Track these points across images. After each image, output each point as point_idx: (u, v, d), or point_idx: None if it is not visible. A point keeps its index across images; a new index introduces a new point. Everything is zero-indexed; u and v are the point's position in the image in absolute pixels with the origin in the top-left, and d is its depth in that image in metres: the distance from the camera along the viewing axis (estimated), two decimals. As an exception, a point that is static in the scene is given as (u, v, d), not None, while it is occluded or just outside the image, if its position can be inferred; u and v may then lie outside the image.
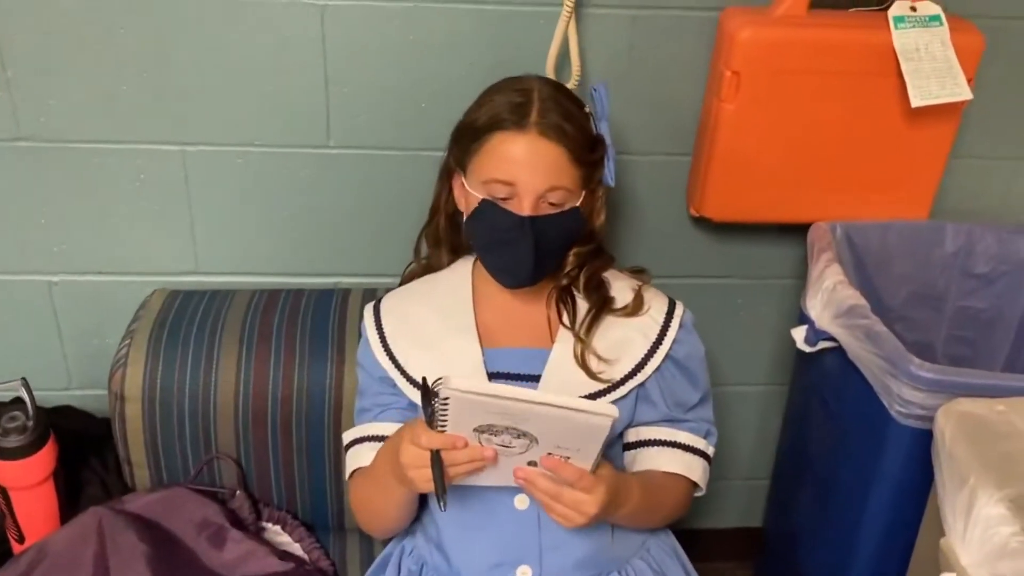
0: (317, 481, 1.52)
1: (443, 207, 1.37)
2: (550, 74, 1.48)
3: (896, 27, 1.44)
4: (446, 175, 1.35)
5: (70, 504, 1.48)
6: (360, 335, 1.38)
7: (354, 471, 1.32)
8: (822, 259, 1.48)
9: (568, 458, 1.10)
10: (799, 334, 1.50)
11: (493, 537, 1.25)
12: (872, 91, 1.47)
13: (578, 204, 1.26)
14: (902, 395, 1.28)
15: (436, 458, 1.09)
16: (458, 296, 1.33)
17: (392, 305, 1.36)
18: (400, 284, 1.45)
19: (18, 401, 1.44)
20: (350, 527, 1.57)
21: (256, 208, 1.60)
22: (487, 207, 1.23)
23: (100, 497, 1.51)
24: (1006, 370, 1.67)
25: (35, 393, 1.43)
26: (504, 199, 1.22)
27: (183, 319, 1.51)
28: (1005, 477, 1.07)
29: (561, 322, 1.30)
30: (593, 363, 1.27)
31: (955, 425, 1.16)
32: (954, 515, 1.09)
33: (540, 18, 1.48)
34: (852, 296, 1.39)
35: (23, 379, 1.43)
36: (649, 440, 1.31)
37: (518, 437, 1.09)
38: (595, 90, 1.31)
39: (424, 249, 1.44)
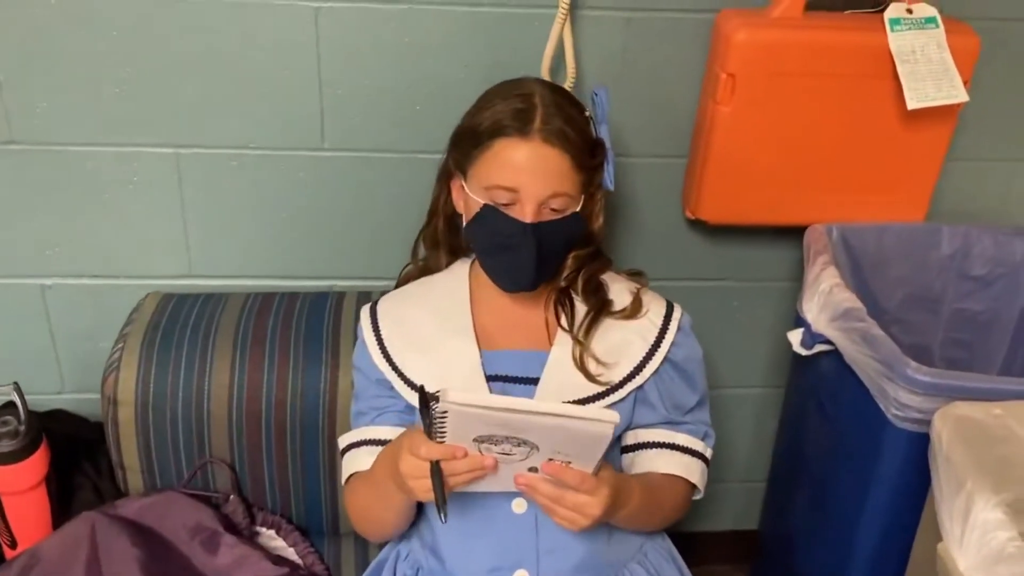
0: (311, 485, 1.52)
1: (441, 209, 1.37)
2: (545, 76, 1.48)
3: (892, 29, 1.44)
4: (445, 177, 1.35)
5: (62, 509, 1.47)
6: (355, 338, 1.38)
7: (351, 476, 1.32)
8: (818, 262, 1.48)
9: (569, 463, 1.10)
10: (795, 337, 1.50)
11: (490, 541, 1.25)
12: (868, 93, 1.47)
13: (578, 209, 1.25)
14: (899, 398, 1.27)
15: (436, 468, 1.09)
16: (455, 298, 1.33)
17: (389, 307, 1.36)
18: (396, 286, 1.44)
19: (10, 405, 1.43)
20: (345, 531, 1.56)
21: (250, 211, 1.59)
22: (489, 212, 1.23)
23: (93, 502, 1.50)
24: (1003, 372, 1.67)
25: (28, 397, 1.43)
26: (506, 205, 1.22)
27: (176, 323, 1.51)
28: (1002, 481, 1.07)
29: (559, 325, 1.30)
30: (592, 366, 1.27)
31: (952, 429, 1.16)
32: (951, 520, 1.09)
33: (535, 20, 1.48)
34: (848, 299, 1.39)
35: (15, 384, 1.43)
36: (647, 442, 1.31)
37: (518, 445, 1.08)
38: (595, 94, 1.31)
39: (422, 251, 1.44)
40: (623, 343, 1.29)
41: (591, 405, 1.26)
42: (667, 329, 1.31)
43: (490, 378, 1.26)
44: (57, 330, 1.65)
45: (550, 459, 1.10)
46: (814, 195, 1.56)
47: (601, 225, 1.33)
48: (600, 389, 1.27)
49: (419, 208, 1.43)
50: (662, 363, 1.30)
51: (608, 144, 1.28)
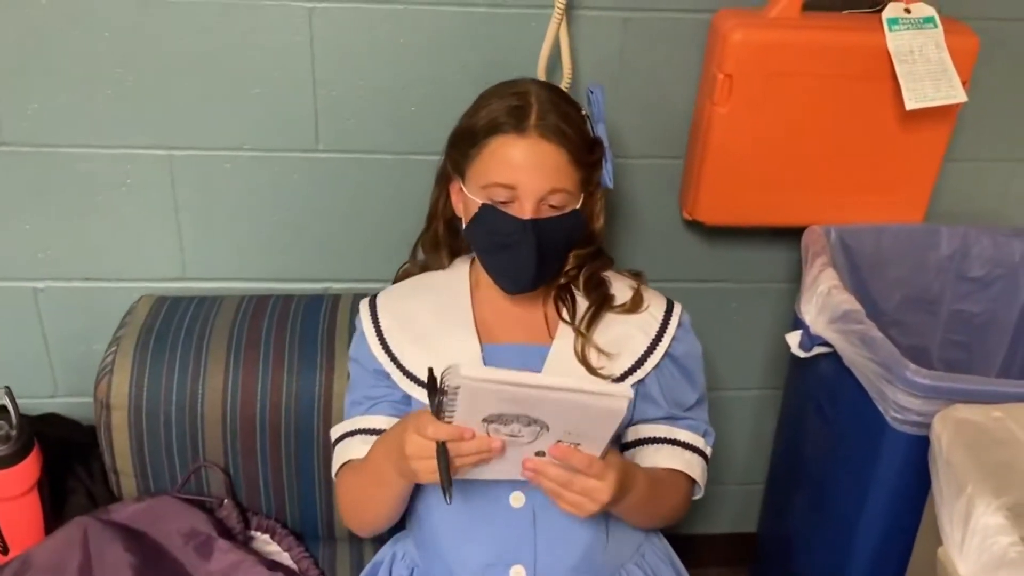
0: (306, 489, 1.51)
1: (440, 213, 1.37)
2: (541, 76, 1.47)
3: (890, 29, 1.43)
4: (443, 181, 1.35)
5: (55, 514, 1.46)
6: (351, 340, 1.37)
7: (343, 465, 1.31)
8: (816, 263, 1.47)
9: (578, 444, 1.09)
10: (794, 339, 1.50)
11: (487, 536, 1.24)
12: (866, 94, 1.46)
13: (578, 207, 1.25)
14: (898, 401, 1.27)
15: (442, 449, 1.08)
16: (456, 293, 1.33)
17: (389, 301, 1.36)
18: (394, 284, 1.44)
19: (1, 410, 1.42)
20: (340, 536, 1.56)
21: (244, 213, 1.59)
22: (488, 211, 1.23)
23: (86, 506, 1.49)
24: (1001, 374, 1.66)
25: (21, 401, 1.42)
26: (504, 203, 1.22)
27: (170, 326, 1.50)
28: (1003, 485, 1.06)
29: (561, 318, 1.30)
30: (593, 358, 1.27)
31: (952, 432, 1.15)
32: (951, 524, 1.08)
33: (531, 20, 1.47)
34: (847, 301, 1.39)
35: (6, 388, 1.42)
36: (648, 438, 1.31)
37: (528, 425, 1.07)
38: (591, 92, 1.31)
39: (420, 255, 1.44)
40: (624, 336, 1.30)
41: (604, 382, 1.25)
42: (668, 324, 1.32)
43: None
44: (50, 333, 1.64)
45: (559, 440, 1.09)
46: (812, 196, 1.56)
47: (602, 225, 1.33)
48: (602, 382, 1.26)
49: (415, 209, 1.43)
50: (663, 357, 1.30)
51: (606, 142, 1.28)
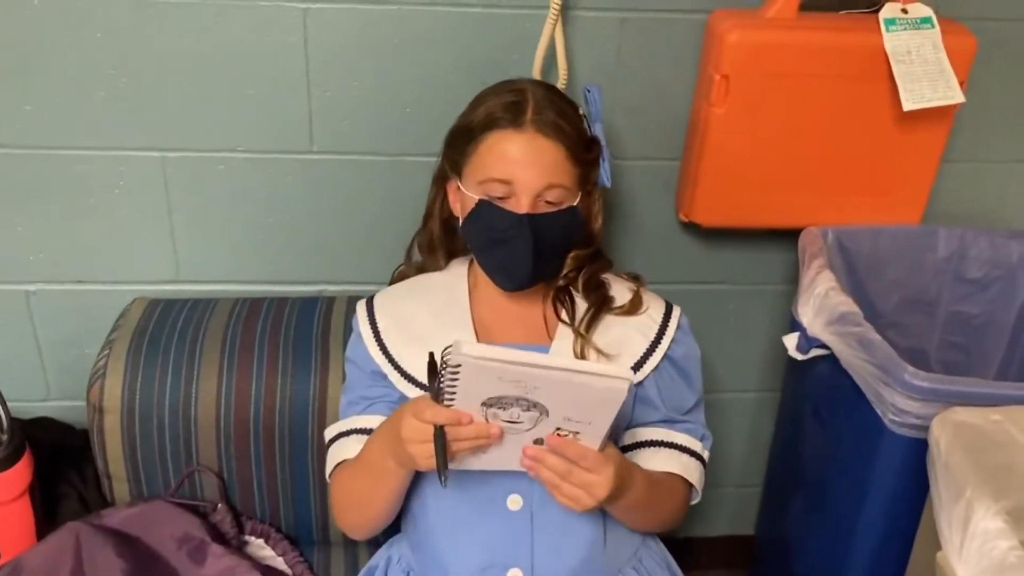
0: (301, 493, 1.50)
1: (437, 213, 1.37)
2: (537, 77, 1.47)
3: (887, 29, 1.43)
4: (440, 180, 1.35)
5: (47, 519, 1.45)
6: (348, 337, 1.37)
7: (338, 465, 1.30)
8: (814, 265, 1.47)
9: (578, 433, 1.09)
10: (791, 341, 1.49)
11: (484, 538, 1.24)
12: (863, 94, 1.46)
13: (575, 204, 1.25)
14: (896, 404, 1.26)
15: (439, 433, 1.07)
16: (454, 293, 1.33)
17: (386, 302, 1.35)
18: (390, 284, 1.43)
19: (-7, 414, 1.41)
20: (335, 540, 1.55)
21: (238, 215, 1.58)
22: (484, 207, 1.23)
23: (78, 511, 1.48)
24: (999, 376, 1.66)
25: (13, 405, 1.41)
26: (501, 198, 1.22)
27: (163, 329, 1.49)
28: (1002, 489, 1.06)
29: (560, 319, 1.30)
30: (592, 359, 1.26)
31: (951, 435, 1.15)
32: (950, 528, 1.08)
33: (526, 21, 1.47)
34: (844, 303, 1.38)
35: (-3, 392, 1.41)
36: (645, 441, 1.31)
37: (527, 410, 1.06)
38: (588, 91, 1.31)
39: (416, 255, 1.43)
40: (624, 338, 1.29)
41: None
42: (667, 326, 1.32)
43: None
44: (42, 336, 1.64)
45: (558, 428, 1.08)
46: (809, 197, 1.55)
47: (601, 225, 1.33)
48: None
49: (410, 211, 1.42)
50: (662, 360, 1.30)
51: (603, 142, 1.28)
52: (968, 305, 1.64)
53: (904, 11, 1.44)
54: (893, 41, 1.42)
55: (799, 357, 1.49)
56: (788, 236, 1.60)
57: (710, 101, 1.45)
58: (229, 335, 1.48)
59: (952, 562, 1.08)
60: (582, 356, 1.26)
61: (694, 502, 1.35)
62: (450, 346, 1.02)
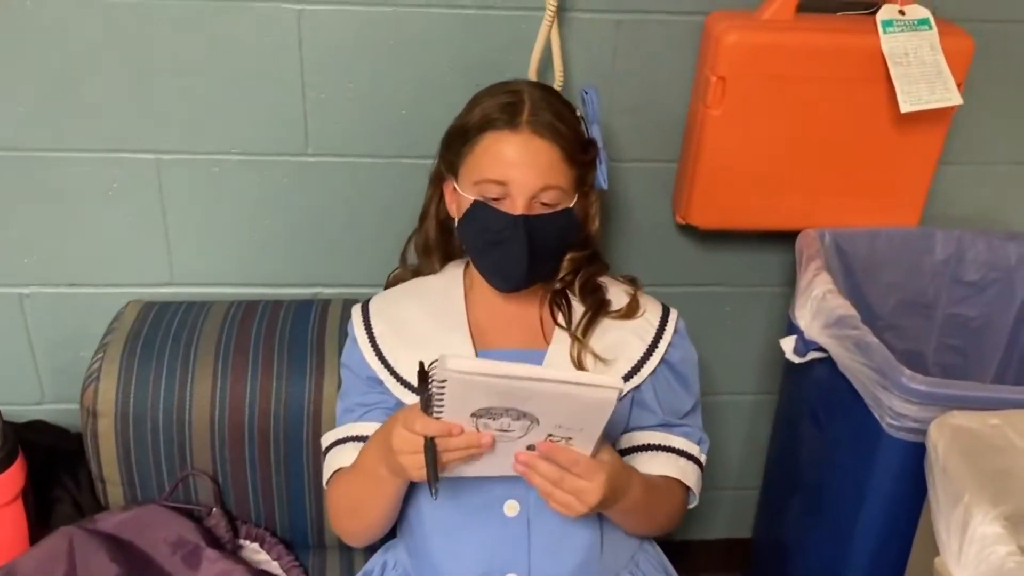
0: (296, 497, 1.49)
1: (433, 214, 1.36)
2: (533, 79, 1.46)
3: (884, 31, 1.42)
4: (436, 181, 1.34)
5: (40, 523, 1.45)
6: (343, 340, 1.36)
7: (334, 472, 1.30)
8: (811, 267, 1.46)
9: (571, 439, 1.08)
10: (788, 344, 1.49)
11: (480, 544, 1.23)
12: (860, 96, 1.46)
13: (571, 206, 1.25)
14: (893, 407, 1.26)
15: (429, 444, 1.06)
16: (450, 297, 1.32)
17: (381, 306, 1.35)
18: (385, 289, 1.42)
19: (-15, 418, 1.40)
20: (330, 544, 1.54)
21: (233, 217, 1.57)
22: (479, 208, 1.22)
23: (72, 515, 1.48)
24: (997, 379, 1.66)
25: (7, 408, 1.42)
26: (496, 199, 1.21)
27: (158, 331, 1.48)
28: (1001, 494, 1.06)
29: (556, 323, 1.29)
30: (589, 364, 1.26)
31: (948, 439, 1.14)
32: (948, 533, 1.07)
33: (522, 22, 1.46)
34: (842, 306, 1.38)
35: (-9, 395, 1.40)
36: (642, 445, 1.30)
37: (518, 419, 1.06)
38: (585, 93, 1.31)
39: (411, 257, 1.43)
40: (621, 342, 1.29)
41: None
42: (664, 330, 1.31)
43: None
44: (36, 339, 1.63)
45: (549, 435, 1.07)
46: (806, 200, 1.55)
47: (598, 228, 1.33)
48: None
49: (406, 213, 1.41)
50: (659, 364, 1.29)
51: (600, 143, 1.28)
52: (965, 307, 1.64)
53: (901, 12, 1.43)
54: (890, 43, 1.42)
55: (796, 360, 1.48)
56: (785, 238, 1.60)
57: (707, 103, 1.45)
58: (224, 338, 1.48)
59: (950, 567, 1.07)
60: (579, 360, 1.26)
61: (691, 506, 1.35)
62: (436, 360, 1.02)
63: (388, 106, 1.51)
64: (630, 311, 1.31)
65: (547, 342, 1.28)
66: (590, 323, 1.28)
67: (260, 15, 1.43)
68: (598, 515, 1.22)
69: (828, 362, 1.41)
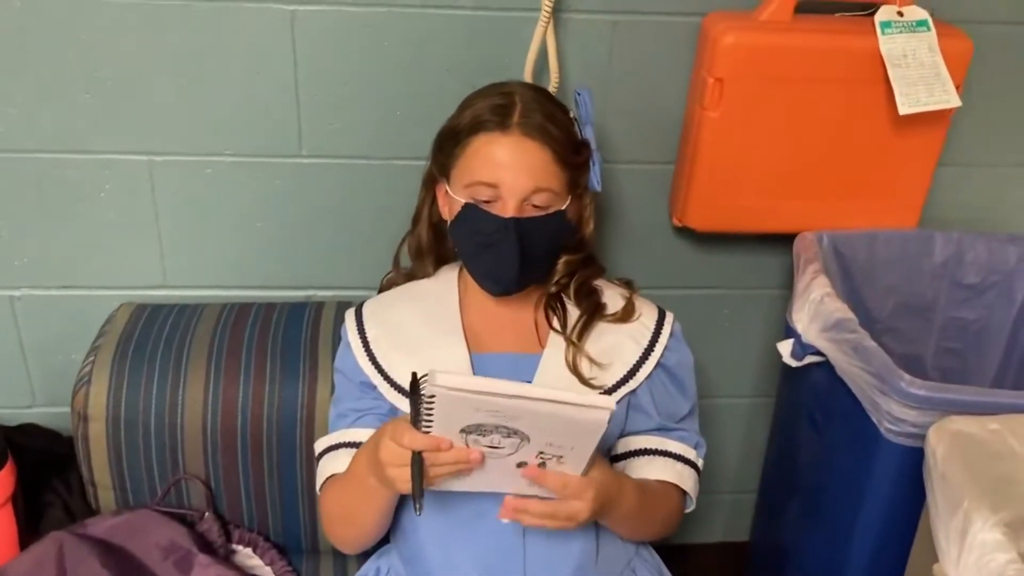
0: (289, 502, 1.48)
1: (426, 217, 1.35)
2: (528, 80, 1.45)
3: (883, 32, 1.42)
4: (429, 184, 1.34)
5: (31, 528, 1.44)
6: (337, 343, 1.36)
7: (328, 479, 1.29)
8: (809, 270, 1.46)
9: (561, 456, 1.07)
10: (785, 348, 1.48)
11: (475, 551, 1.23)
12: (859, 98, 1.45)
13: (563, 208, 1.24)
14: (892, 412, 1.25)
15: (416, 458, 1.06)
16: (444, 300, 1.31)
17: (375, 310, 1.34)
18: (379, 293, 1.42)
19: (-25, 422, 1.39)
20: (324, 549, 1.53)
21: (226, 220, 1.56)
22: (470, 210, 1.22)
23: (63, 520, 1.46)
24: (996, 382, 1.65)
25: (-3, 412, 1.40)
26: (487, 202, 1.21)
27: (150, 334, 1.47)
28: (1000, 500, 1.04)
29: (551, 327, 1.29)
30: (585, 368, 1.25)
31: (947, 445, 1.13)
32: (947, 540, 1.06)
33: (518, 23, 1.45)
34: (840, 309, 1.37)
35: (-19, 398, 1.39)
36: (639, 449, 1.30)
37: (508, 436, 1.05)
38: (579, 94, 1.30)
39: (405, 259, 1.42)
40: (616, 346, 1.28)
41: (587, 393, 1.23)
42: (660, 333, 1.31)
43: None
44: (27, 342, 1.62)
45: (540, 452, 1.06)
46: (804, 202, 1.54)
47: (592, 230, 1.32)
48: (593, 392, 1.24)
49: (400, 215, 1.41)
50: (655, 367, 1.29)
51: (594, 145, 1.27)
52: (965, 310, 1.63)
53: (900, 14, 1.43)
54: (889, 44, 1.41)
55: (794, 364, 1.47)
56: (783, 241, 1.59)
57: (704, 104, 1.44)
58: (216, 341, 1.47)
59: (949, 574, 1.06)
60: (574, 364, 1.25)
61: (688, 510, 1.34)
62: (426, 375, 1.01)
63: (382, 107, 1.50)
64: (626, 314, 1.30)
65: (542, 346, 1.28)
66: (585, 327, 1.28)
67: (253, 16, 1.42)
68: (594, 523, 1.22)
69: (826, 366, 1.40)
